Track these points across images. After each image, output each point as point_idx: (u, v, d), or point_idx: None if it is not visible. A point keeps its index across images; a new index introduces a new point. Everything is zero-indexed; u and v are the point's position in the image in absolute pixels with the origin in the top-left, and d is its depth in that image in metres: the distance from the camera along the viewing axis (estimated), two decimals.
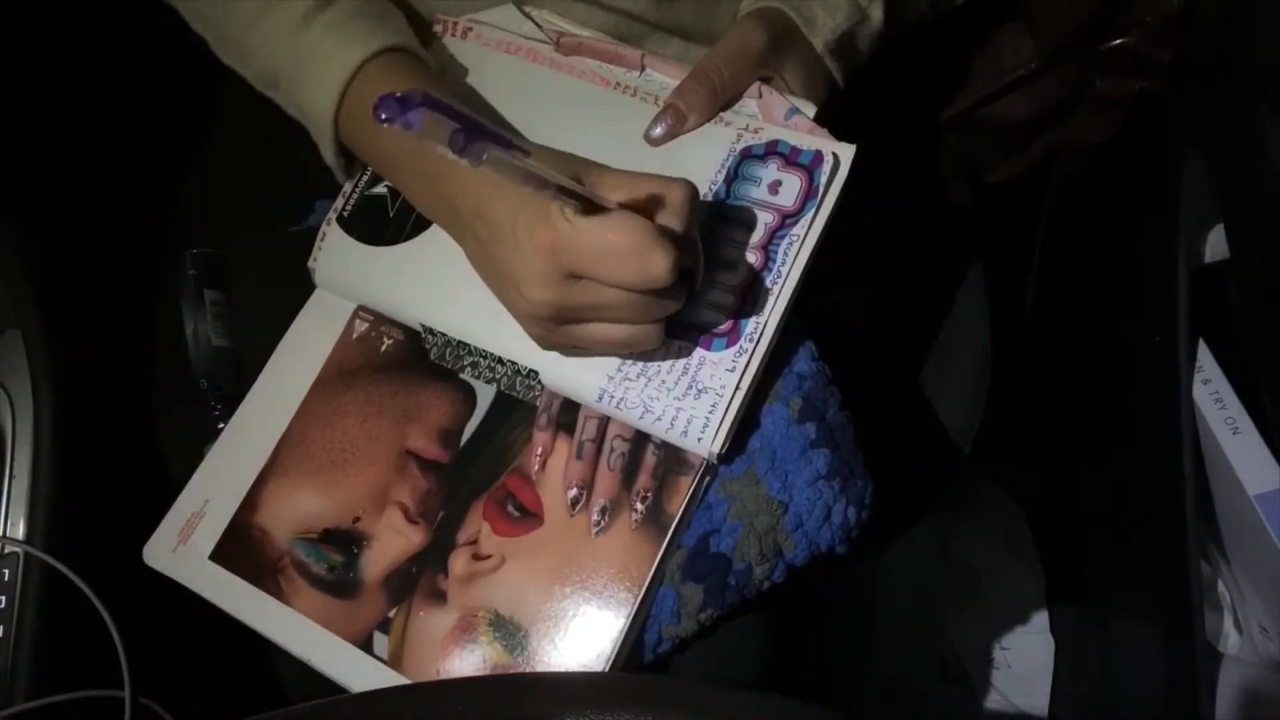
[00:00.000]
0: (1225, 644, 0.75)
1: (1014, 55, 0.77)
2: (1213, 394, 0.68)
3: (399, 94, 0.38)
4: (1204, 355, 0.69)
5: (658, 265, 0.49)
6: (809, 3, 0.61)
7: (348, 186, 0.64)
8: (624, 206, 0.50)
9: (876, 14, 0.62)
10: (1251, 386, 0.67)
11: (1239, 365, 0.68)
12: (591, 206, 0.49)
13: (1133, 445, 0.78)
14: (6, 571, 0.65)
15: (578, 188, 0.48)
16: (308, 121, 0.61)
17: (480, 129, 0.41)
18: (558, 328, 0.53)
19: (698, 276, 0.55)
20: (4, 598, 0.64)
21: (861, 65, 0.64)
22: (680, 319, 0.56)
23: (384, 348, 0.63)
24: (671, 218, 0.50)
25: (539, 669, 0.55)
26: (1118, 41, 0.73)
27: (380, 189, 0.64)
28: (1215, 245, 0.69)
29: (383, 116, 0.38)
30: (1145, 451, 0.75)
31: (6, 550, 0.65)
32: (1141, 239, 0.76)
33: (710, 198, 0.58)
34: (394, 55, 0.58)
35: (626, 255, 0.49)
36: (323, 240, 0.64)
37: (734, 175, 0.58)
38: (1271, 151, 0.58)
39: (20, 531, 0.65)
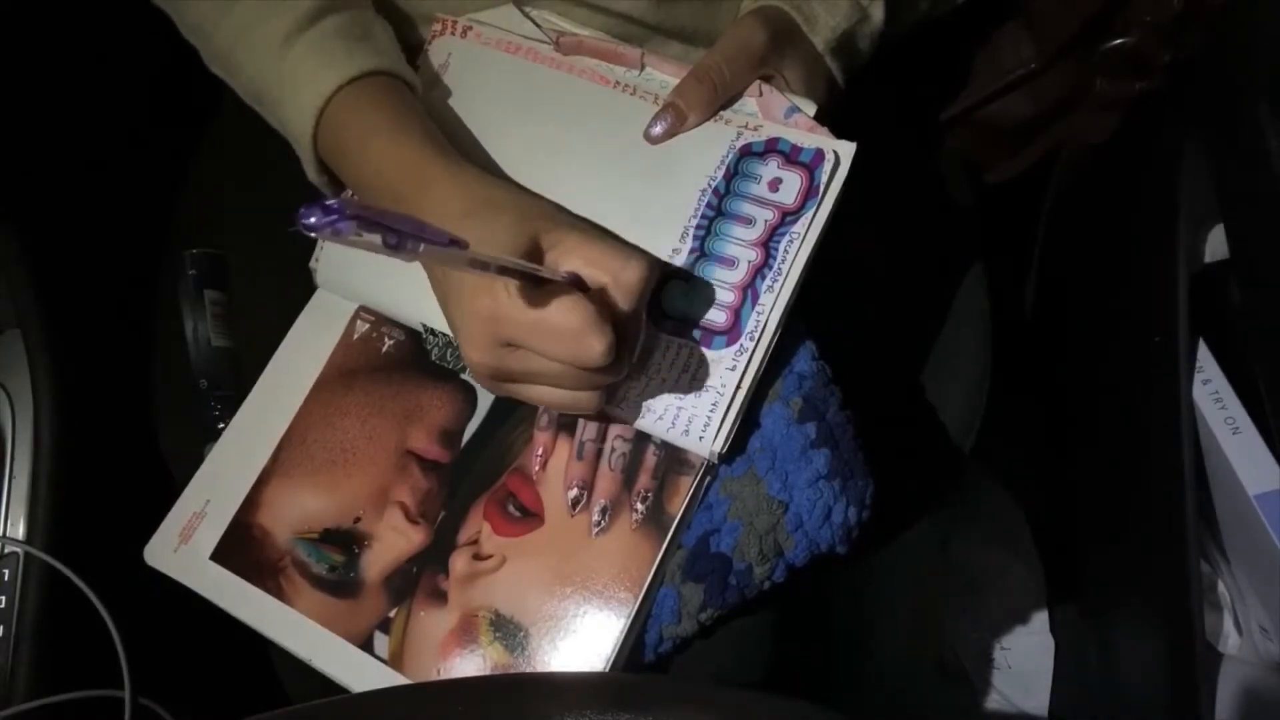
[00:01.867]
0: (1225, 644, 0.75)
1: (1014, 55, 0.77)
2: (1213, 394, 0.68)
3: (329, 203, 0.38)
4: (1204, 355, 0.69)
5: (592, 350, 0.49)
6: (810, 2, 0.61)
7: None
8: (576, 276, 0.50)
9: (877, 13, 0.62)
10: (1251, 386, 0.67)
11: (1239, 365, 0.68)
12: (535, 281, 0.49)
13: (1133, 445, 0.78)
14: (6, 571, 0.65)
15: (521, 265, 0.47)
16: (291, 140, 0.61)
17: (408, 231, 0.41)
18: (496, 384, 0.54)
19: (634, 352, 0.54)
20: (4, 598, 0.65)
21: (862, 64, 0.64)
22: (680, 317, 0.56)
23: (385, 348, 0.63)
24: (621, 295, 0.50)
25: (539, 669, 0.55)
26: (1118, 41, 0.73)
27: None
28: (1215, 245, 0.69)
29: (309, 222, 0.37)
30: (1145, 451, 0.75)
31: (6, 550, 0.65)
32: (1141, 239, 0.76)
33: (710, 195, 0.58)
34: (371, 80, 0.58)
35: (562, 335, 0.49)
36: (324, 241, 0.64)
37: (734, 172, 0.58)
38: (1271, 152, 0.58)
39: (20, 531, 0.66)
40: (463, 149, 0.62)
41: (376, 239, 0.39)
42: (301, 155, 0.60)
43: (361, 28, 0.60)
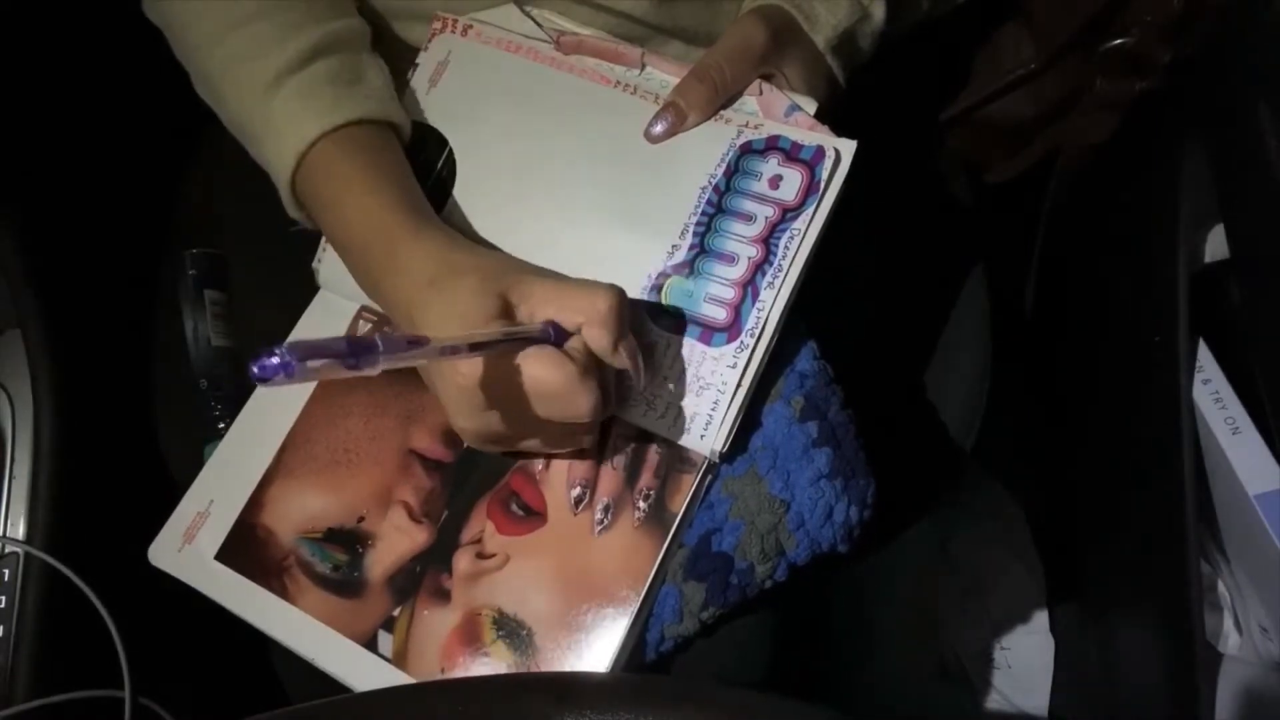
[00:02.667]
0: (1225, 644, 0.75)
1: (1014, 55, 0.77)
2: (1213, 394, 0.69)
3: (275, 352, 0.37)
4: (1204, 355, 0.69)
5: (579, 407, 0.49)
6: (810, 0, 0.61)
7: None
8: (552, 324, 0.50)
9: (878, 12, 0.62)
10: (1251, 386, 0.67)
11: (1239, 365, 0.68)
12: (513, 346, 0.49)
13: (1133, 445, 0.78)
14: (6, 571, 0.65)
15: (491, 336, 0.48)
16: (270, 175, 0.60)
17: (362, 346, 0.40)
18: (490, 446, 0.55)
19: (639, 378, 0.54)
20: (4, 598, 0.64)
21: (862, 63, 0.64)
22: (681, 314, 0.56)
23: None
24: (600, 329, 0.50)
25: (542, 667, 0.55)
26: (1118, 41, 0.73)
27: None
28: (1215, 245, 0.69)
29: (259, 376, 0.37)
30: (1145, 451, 0.75)
31: (6, 550, 0.65)
32: (1141, 239, 0.76)
33: (710, 192, 0.58)
34: (355, 130, 0.58)
35: (548, 397, 0.49)
36: (325, 241, 0.64)
37: (734, 169, 0.58)
38: (1271, 152, 0.58)
39: (20, 531, 0.65)
40: (462, 149, 0.62)
41: (336, 368, 0.39)
42: (280, 193, 0.60)
43: (353, 72, 0.60)
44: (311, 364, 0.38)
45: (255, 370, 0.37)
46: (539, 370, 0.49)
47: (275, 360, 0.37)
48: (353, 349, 0.40)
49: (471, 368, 0.49)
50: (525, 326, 0.50)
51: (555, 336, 0.50)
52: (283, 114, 0.57)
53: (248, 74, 0.58)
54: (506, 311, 0.50)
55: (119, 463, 0.72)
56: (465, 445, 0.60)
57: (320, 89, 0.58)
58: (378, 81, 0.61)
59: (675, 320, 0.56)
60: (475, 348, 0.47)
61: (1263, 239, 0.61)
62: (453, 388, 0.50)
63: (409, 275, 0.53)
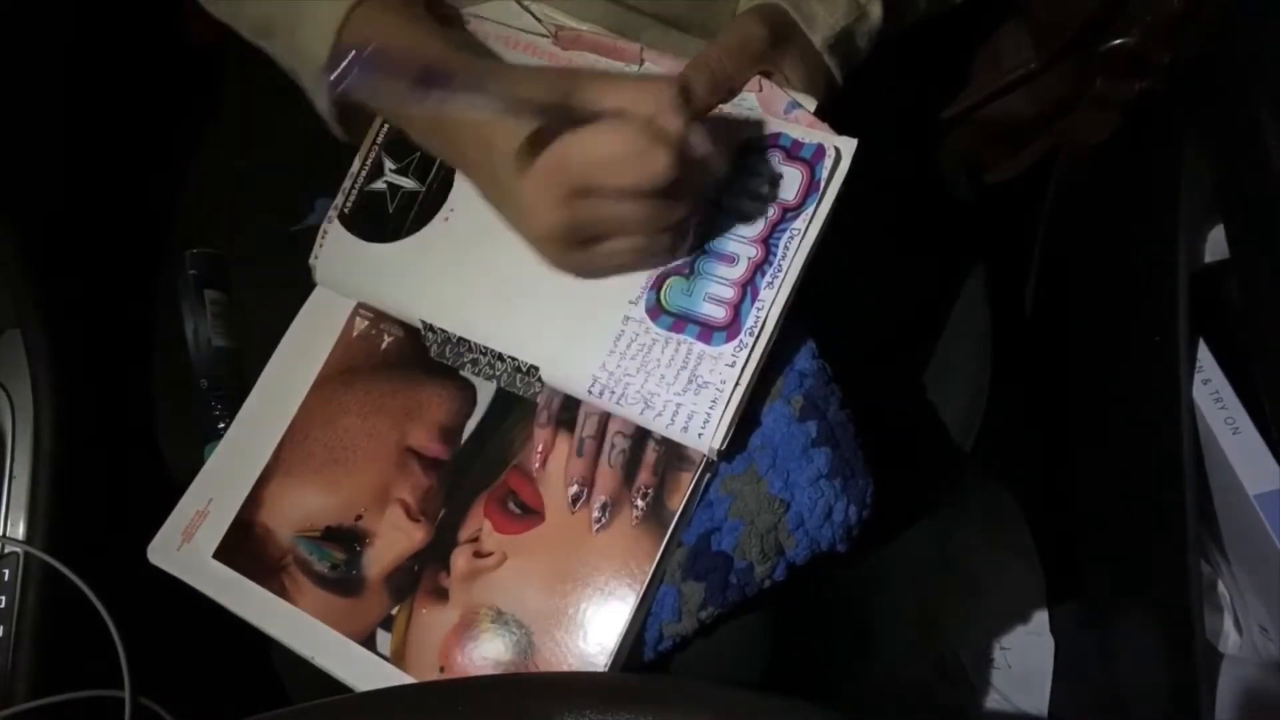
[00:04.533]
0: (1225, 644, 0.75)
1: (1014, 55, 0.77)
2: (1213, 394, 0.68)
3: (354, 50, 0.38)
4: (1204, 355, 0.69)
5: (658, 164, 0.49)
6: (808, 0, 0.61)
7: (348, 184, 0.64)
8: (620, 113, 0.50)
9: (875, 11, 0.62)
10: (1251, 386, 0.67)
11: (1239, 365, 0.68)
12: (579, 120, 0.49)
13: (1133, 445, 0.78)
14: (6, 571, 0.65)
15: (560, 104, 0.48)
16: (302, 69, 0.60)
17: (437, 76, 0.41)
18: (572, 250, 0.53)
19: (719, 165, 0.54)
20: (4, 598, 0.64)
21: (860, 62, 0.64)
22: (680, 312, 0.56)
23: (384, 345, 0.63)
24: (670, 114, 0.50)
25: (540, 666, 0.55)
26: (1118, 41, 0.73)
27: (379, 185, 0.64)
28: (1215, 245, 0.69)
29: (333, 76, 0.38)
30: (1145, 451, 0.75)
31: (6, 550, 0.65)
32: (1141, 239, 0.76)
33: (710, 190, 0.58)
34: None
35: (626, 160, 0.49)
36: (323, 238, 0.64)
37: (733, 167, 0.58)
38: (1272, 152, 0.58)
39: (20, 531, 0.65)
40: None
41: (404, 88, 0.39)
42: (314, 85, 0.60)
43: None
44: (381, 72, 0.38)
45: (330, 61, 0.38)
46: (611, 133, 0.49)
47: (354, 55, 0.38)
48: (427, 78, 0.40)
49: (548, 152, 0.49)
50: (595, 110, 0.50)
51: None
52: None
53: None
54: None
55: (119, 463, 0.72)
56: (459, 447, 0.60)
57: None
58: None
59: (675, 319, 0.56)
60: (544, 111, 0.47)
61: (1263, 239, 0.61)
62: (534, 179, 0.50)
63: None
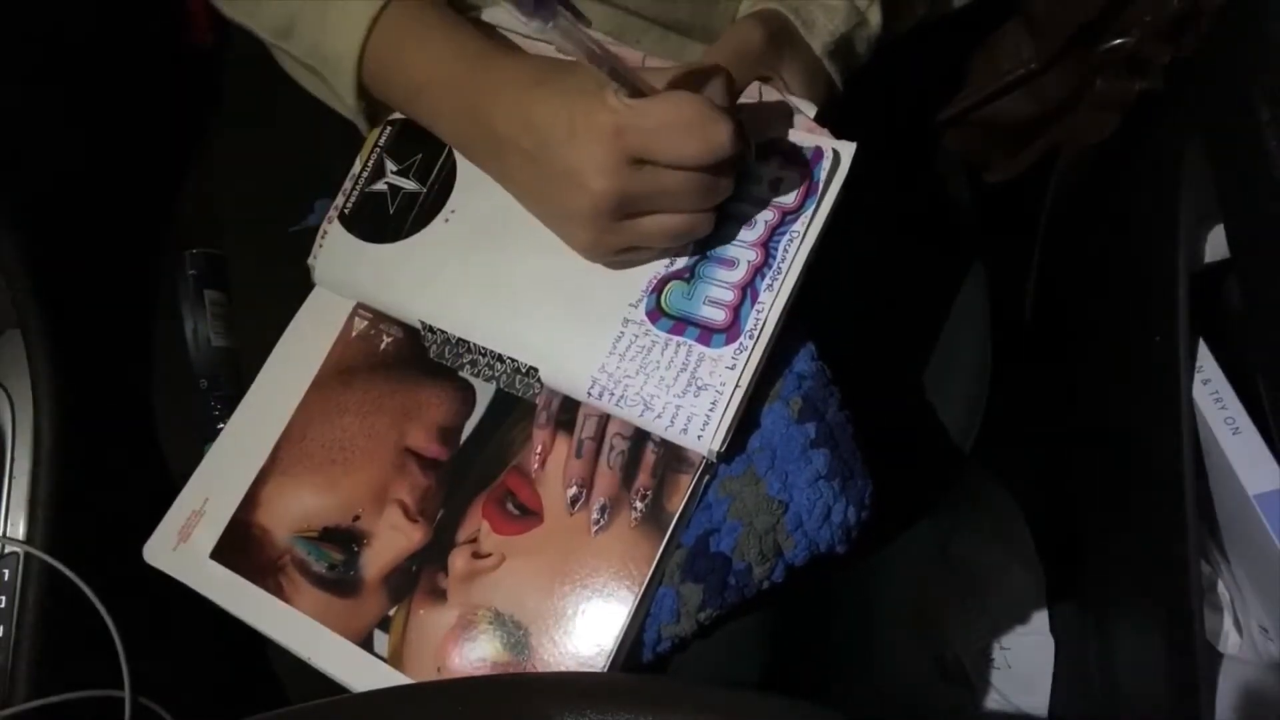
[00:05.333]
0: (1225, 644, 0.74)
1: (1014, 55, 0.77)
2: (1213, 394, 0.68)
3: None
4: (1204, 355, 0.69)
5: (721, 133, 0.50)
6: (808, 5, 0.61)
7: (348, 184, 0.64)
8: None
9: (875, 17, 0.62)
10: (1251, 386, 0.67)
11: (1239, 365, 0.68)
12: (641, 91, 0.50)
13: (1133, 445, 0.78)
14: (6, 571, 0.65)
15: (629, 70, 0.49)
16: (326, 65, 0.60)
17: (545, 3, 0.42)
18: (617, 224, 0.53)
19: (750, 153, 0.55)
20: (4, 598, 0.64)
21: (860, 67, 0.64)
22: (680, 314, 0.56)
23: (383, 345, 0.63)
24: (719, 95, 0.51)
25: (539, 668, 0.55)
26: (1118, 41, 0.73)
27: (380, 186, 0.64)
28: (1215, 245, 0.69)
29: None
30: (1145, 451, 0.75)
31: (6, 550, 0.65)
32: (1141, 239, 0.76)
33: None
34: None
35: (689, 128, 0.49)
36: (323, 238, 0.64)
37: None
38: (1271, 152, 0.58)
39: (20, 531, 0.65)
40: None
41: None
42: (340, 80, 0.60)
43: None
44: None
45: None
46: (674, 102, 0.50)
47: None
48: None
49: (612, 115, 0.49)
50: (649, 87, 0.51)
51: None
52: None
53: None
54: None
55: (119, 463, 0.72)
56: (458, 447, 0.60)
57: None
58: None
59: (674, 321, 0.56)
60: (614, 74, 0.48)
61: (1263, 239, 0.61)
62: (595, 142, 0.50)
63: (515, 79, 0.53)
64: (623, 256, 0.57)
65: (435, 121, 0.60)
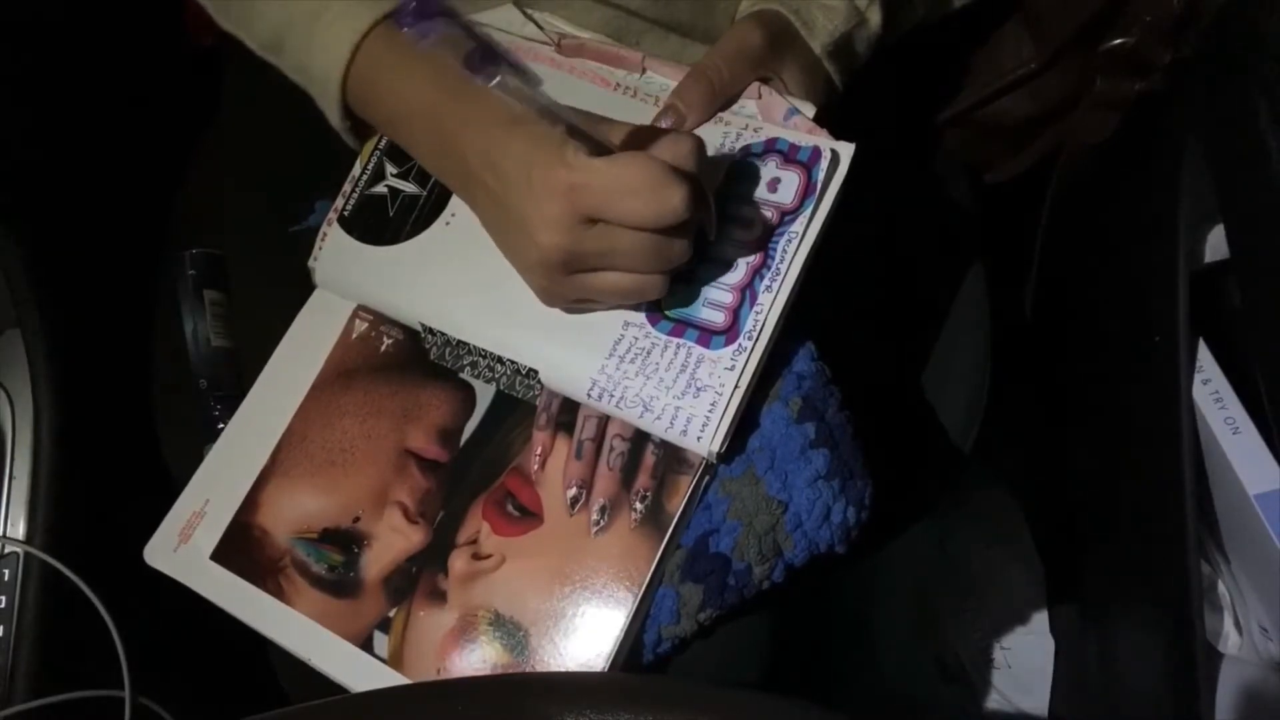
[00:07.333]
0: (1225, 644, 0.75)
1: (1014, 55, 0.77)
2: (1213, 394, 0.68)
3: (418, 4, 0.39)
4: (1204, 355, 0.69)
5: (675, 198, 0.49)
6: (807, 5, 0.61)
7: (348, 186, 0.64)
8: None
9: (875, 18, 0.62)
10: (1251, 386, 0.67)
11: (1239, 365, 0.68)
12: (601, 149, 0.49)
13: (1133, 445, 0.78)
14: (6, 571, 0.65)
15: (588, 129, 0.48)
16: (312, 84, 0.60)
17: (495, 53, 0.42)
18: (567, 277, 0.53)
19: (711, 228, 0.55)
20: (4, 598, 0.64)
21: (860, 67, 0.64)
22: (679, 317, 0.56)
23: (384, 347, 0.63)
24: (683, 159, 0.51)
25: (539, 669, 0.55)
26: (1118, 41, 0.73)
27: (380, 189, 0.64)
28: (1215, 245, 0.69)
29: (404, 23, 0.39)
30: (1145, 451, 0.75)
31: (6, 550, 0.65)
32: (1141, 239, 0.76)
33: (720, 175, 0.58)
34: None
35: (643, 191, 0.49)
36: (323, 240, 0.64)
37: (732, 173, 0.58)
38: (1272, 152, 0.58)
39: (20, 531, 0.65)
40: None
41: (462, 53, 0.41)
42: (326, 99, 0.60)
43: None
44: (446, 29, 0.40)
45: (401, 15, 0.39)
46: (630, 163, 0.49)
47: (418, 6, 0.39)
48: (485, 51, 0.41)
49: (568, 171, 0.49)
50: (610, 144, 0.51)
51: None
52: (332, 7, 0.57)
53: None
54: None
55: (119, 463, 0.72)
56: (458, 449, 0.60)
57: None
58: None
59: (673, 323, 0.56)
60: (572, 131, 0.48)
61: (1263, 239, 0.61)
62: (548, 198, 0.50)
63: (489, 117, 0.53)
64: (578, 305, 0.57)
65: (411, 148, 0.61)
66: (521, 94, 0.44)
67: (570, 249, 0.51)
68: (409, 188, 0.63)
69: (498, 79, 0.42)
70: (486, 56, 0.41)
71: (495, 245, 0.59)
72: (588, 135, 0.49)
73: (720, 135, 0.59)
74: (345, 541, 0.59)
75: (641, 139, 0.51)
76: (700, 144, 0.52)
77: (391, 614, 0.58)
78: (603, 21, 0.63)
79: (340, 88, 0.58)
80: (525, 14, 0.64)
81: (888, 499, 0.60)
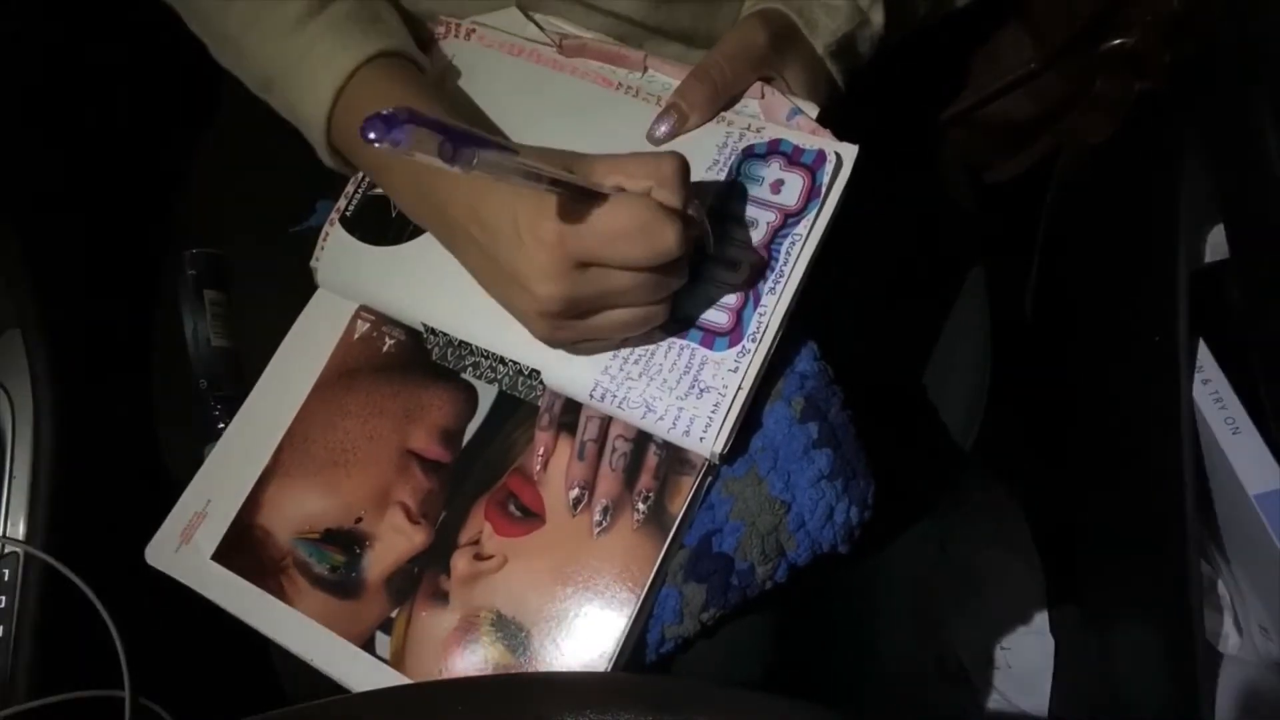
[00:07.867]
0: (1225, 644, 0.75)
1: (1014, 55, 0.77)
2: (1213, 394, 0.69)
3: (385, 112, 0.38)
4: (1204, 355, 0.69)
5: (667, 238, 0.49)
6: (810, 5, 0.61)
7: (350, 187, 0.64)
8: (619, 189, 0.50)
9: (877, 17, 0.62)
10: (1251, 386, 0.67)
11: (1239, 365, 0.68)
12: (587, 195, 0.49)
13: (1133, 445, 0.78)
14: (6, 571, 0.65)
15: (572, 178, 0.48)
16: (300, 125, 0.60)
17: (467, 136, 0.41)
18: (568, 322, 0.53)
19: (709, 243, 0.55)
20: (4, 598, 0.64)
21: (862, 67, 0.64)
22: (683, 318, 0.56)
23: (386, 348, 0.63)
24: (666, 193, 0.50)
25: (541, 669, 0.55)
26: (1118, 41, 0.73)
27: (381, 190, 0.64)
28: (1215, 245, 0.69)
29: (370, 136, 0.38)
30: (1145, 451, 0.75)
31: (6, 550, 0.65)
32: (1141, 239, 0.76)
33: (712, 197, 0.58)
34: (387, 60, 0.58)
35: (635, 234, 0.49)
36: (325, 240, 0.64)
37: (735, 174, 0.58)
38: (1272, 152, 0.58)
39: (20, 531, 0.65)
40: None
41: (434, 148, 0.40)
42: (314, 141, 0.60)
43: (370, 11, 0.60)
44: (413, 133, 0.39)
45: (367, 129, 0.39)
46: (619, 207, 0.49)
47: (384, 128, 0.38)
48: (454, 137, 0.41)
49: (556, 223, 0.49)
50: (600, 185, 0.50)
51: None
52: (314, 53, 0.57)
53: (270, 22, 0.58)
54: None
55: (119, 462, 0.72)
56: (460, 450, 0.60)
57: (346, 25, 0.58)
58: (394, 20, 0.61)
59: (677, 324, 0.56)
60: (555, 184, 0.47)
61: (1263, 239, 0.61)
62: (539, 250, 0.50)
63: None
64: (582, 346, 0.56)
65: (394, 197, 0.61)
66: (500, 167, 0.43)
67: (568, 296, 0.51)
68: None
69: (475, 160, 0.42)
70: (459, 141, 0.41)
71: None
72: (571, 184, 0.48)
73: (723, 135, 0.59)
74: (347, 542, 0.59)
75: (623, 167, 0.51)
76: (683, 162, 0.51)
77: (393, 614, 0.58)
78: (604, 29, 0.63)
79: (325, 133, 0.59)
80: (527, 15, 0.64)
81: (888, 499, 0.60)
